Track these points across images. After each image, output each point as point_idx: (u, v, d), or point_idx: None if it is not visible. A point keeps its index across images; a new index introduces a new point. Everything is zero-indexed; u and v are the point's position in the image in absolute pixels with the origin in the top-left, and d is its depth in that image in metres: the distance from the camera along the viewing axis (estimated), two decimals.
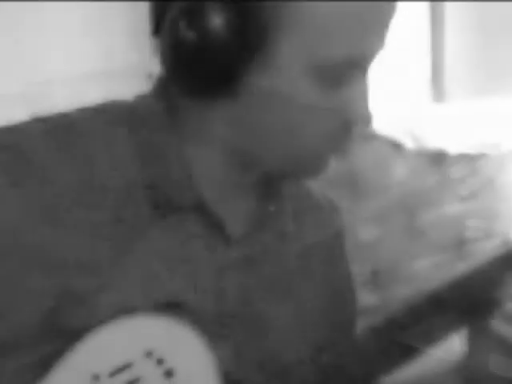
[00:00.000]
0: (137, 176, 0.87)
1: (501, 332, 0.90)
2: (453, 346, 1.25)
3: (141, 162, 0.88)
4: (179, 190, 0.88)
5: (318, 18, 0.81)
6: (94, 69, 2.81)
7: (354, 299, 1.08)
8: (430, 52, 3.80)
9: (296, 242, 0.99)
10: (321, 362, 0.92)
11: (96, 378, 0.82)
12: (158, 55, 0.86)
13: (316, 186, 1.05)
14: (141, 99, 0.93)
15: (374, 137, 3.09)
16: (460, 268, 0.91)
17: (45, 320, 0.82)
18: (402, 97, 3.72)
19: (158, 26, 0.85)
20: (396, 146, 3.18)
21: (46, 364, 0.82)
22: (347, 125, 0.88)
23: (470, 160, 3.45)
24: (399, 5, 0.87)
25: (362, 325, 0.94)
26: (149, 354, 0.83)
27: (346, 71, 0.84)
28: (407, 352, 0.92)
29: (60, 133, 0.87)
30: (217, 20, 0.80)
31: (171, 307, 0.85)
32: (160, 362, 0.84)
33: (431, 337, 0.92)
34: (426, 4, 3.76)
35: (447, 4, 3.73)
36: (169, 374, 0.84)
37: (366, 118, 0.87)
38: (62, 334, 0.82)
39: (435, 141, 3.34)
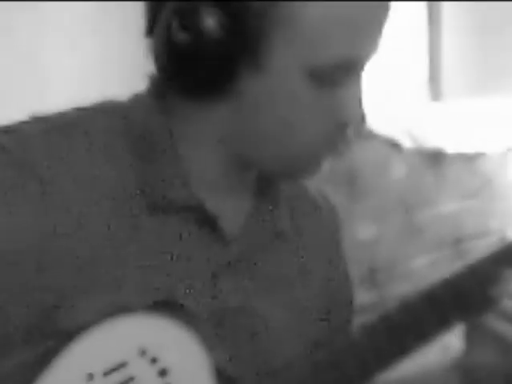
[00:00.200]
0: (133, 175, 0.87)
1: (497, 329, 0.90)
2: (449, 343, 1.26)
3: (136, 161, 0.88)
4: (175, 190, 0.87)
5: (312, 20, 0.81)
6: (92, 68, 2.81)
7: (351, 298, 1.08)
8: (428, 52, 3.80)
9: (293, 241, 0.98)
10: (317, 360, 0.91)
11: (90, 377, 0.82)
12: (151, 55, 0.86)
13: (314, 185, 1.06)
14: (136, 99, 0.93)
15: (372, 136, 3.09)
16: (457, 266, 0.91)
17: (39, 319, 0.82)
18: (400, 96, 3.73)
19: (152, 27, 0.85)
20: (394, 146, 3.18)
21: (41, 364, 0.82)
22: (341, 125, 0.88)
23: (467, 159, 3.45)
24: (397, 5, 0.87)
25: (359, 323, 0.94)
26: (143, 353, 0.83)
27: (340, 73, 0.84)
28: (403, 349, 0.91)
29: (58, 132, 0.87)
30: (210, 21, 0.79)
31: (166, 306, 0.84)
32: (154, 361, 0.83)
33: (427, 334, 0.92)
34: (424, 4, 3.77)
35: (444, 4, 3.73)
36: (163, 373, 0.84)
37: (360, 119, 0.88)
38: (56, 334, 0.82)
39: (433, 140, 3.34)
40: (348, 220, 2.89)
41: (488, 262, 0.91)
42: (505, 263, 0.90)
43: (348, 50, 0.82)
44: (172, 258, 0.87)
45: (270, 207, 0.95)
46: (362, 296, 2.92)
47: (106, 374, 0.82)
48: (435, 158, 3.35)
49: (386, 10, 0.84)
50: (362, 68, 0.86)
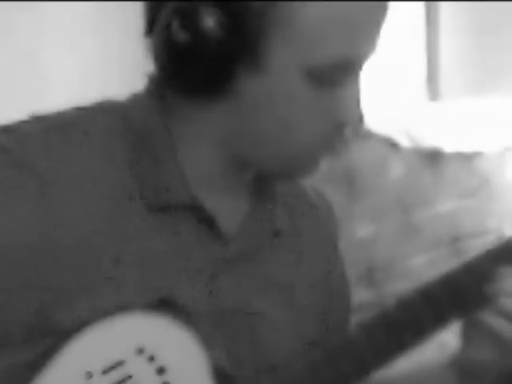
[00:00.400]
0: (132, 175, 0.87)
1: (493, 326, 0.90)
2: (446, 340, 1.26)
3: (136, 160, 0.88)
4: (173, 189, 0.88)
5: (310, 20, 0.81)
6: (92, 68, 2.80)
7: (349, 296, 1.09)
8: (426, 52, 3.79)
9: (290, 239, 0.99)
10: (314, 358, 0.91)
11: (89, 375, 0.82)
12: (151, 55, 0.86)
13: (311, 184, 1.06)
14: (135, 98, 0.92)
15: (370, 136, 3.08)
16: (455, 265, 0.91)
17: (38, 318, 0.82)
18: (398, 96, 3.72)
19: (151, 27, 0.85)
20: (392, 145, 3.17)
21: (40, 362, 0.82)
22: (339, 125, 0.88)
23: (465, 158, 3.45)
24: (395, 6, 0.87)
25: (357, 321, 0.94)
26: (140, 352, 0.83)
27: (338, 73, 0.84)
28: (400, 347, 0.91)
29: (57, 132, 0.87)
30: (209, 21, 0.80)
31: (165, 305, 0.85)
32: (151, 359, 0.84)
33: (424, 331, 0.91)
34: (422, 4, 3.76)
35: (442, 5, 3.73)
36: (161, 371, 0.84)
37: (358, 119, 0.88)
38: (55, 333, 0.82)
39: (431, 139, 3.33)
40: (346, 219, 2.89)
41: (484, 260, 0.91)
42: (501, 261, 0.90)
43: (346, 49, 0.82)
44: (170, 257, 0.87)
45: (268, 206, 0.96)
46: (360, 295, 2.91)
47: (105, 372, 0.82)
48: (433, 158, 3.34)
49: (384, 10, 0.85)
50: (360, 68, 0.86)
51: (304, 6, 0.80)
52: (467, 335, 0.94)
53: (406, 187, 3.20)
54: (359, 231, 3.03)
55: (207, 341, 0.86)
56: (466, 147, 3.45)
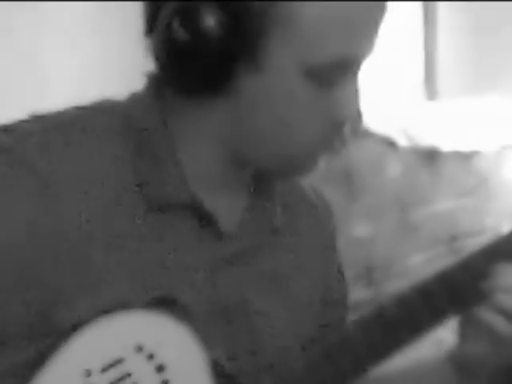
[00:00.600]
0: (131, 173, 0.87)
1: (489, 322, 0.90)
2: (442, 336, 1.26)
3: (135, 159, 0.88)
4: (172, 188, 0.88)
5: (309, 20, 0.81)
6: (92, 68, 2.79)
7: (346, 295, 1.09)
8: (423, 52, 3.80)
9: (288, 238, 0.99)
10: (312, 356, 0.92)
11: (88, 373, 0.82)
12: (151, 54, 0.86)
13: (309, 182, 1.06)
14: (134, 98, 0.92)
15: (368, 135, 3.08)
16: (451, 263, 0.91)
17: (37, 317, 0.82)
18: (396, 96, 3.72)
19: (151, 26, 0.86)
20: (390, 144, 3.17)
21: (40, 361, 0.82)
22: (338, 124, 0.88)
23: (462, 157, 3.44)
24: (393, 6, 0.88)
25: (355, 319, 0.94)
26: (139, 350, 0.84)
27: (337, 72, 0.85)
28: (397, 343, 0.91)
29: (57, 131, 0.87)
30: (210, 20, 0.80)
31: (164, 303, 0.85)
32: (151, 357, 0.84)
33: (420, 328, 0.91)
34: (419, 5, 3.76)
35: (440, 5, 3.73)
36: (160, 369, 0.85)
37: (357, 118, 0.88)
38: (54, 331, 0.82)
39: (429, 139, 3.33)
40: (344, 218, 2.89)
41: (480, 257, 0.92)
42: (497, 257, 0.91)
43: (345, 49, 0.83)
44: (170, 256, 0.87)
45: (266, 205, 0.96)
46: (359, 293, 2.91)
47: (104, 370, 0.83)
48: (431, 157, 3.34)
49: (382, 10, 0.85)
50: (358, 67, 0.87)
51: (303, 6, 0.81)
52: (463, 331, 0.94)
53: (404, 186, 3.20)
54: (357, 230, 3.03)
55: (206, 339, 0.86)
56: (463, 146, 3.45)
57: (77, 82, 2.75)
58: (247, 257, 0.93)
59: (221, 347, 0.89)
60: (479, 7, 3.70)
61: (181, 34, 0.81)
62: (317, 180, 1.04)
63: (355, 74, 0.87)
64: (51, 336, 0.82)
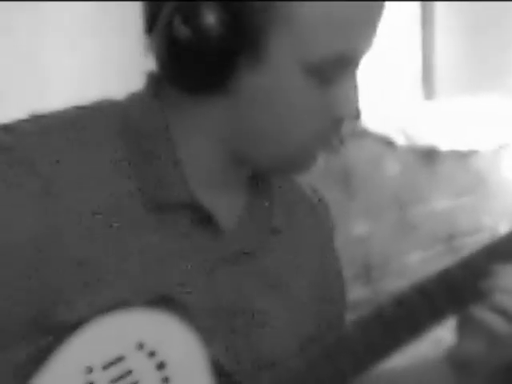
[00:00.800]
0: (131, 173, 0.87)
1: (488, 321, 0.90)
2: (441, 336, 1.27)
3: (134, 159, 0.87)
4: (172, 188, 0.87)
5: (309, 18, 0.81)
6: (92, 68, 2.78)
7: (344, 293, 1.09)
8: (421, 51, 3.80)
9: (287, 236, 0.98)
10: (311, 355, 0.92)
11: (89, 370, 0.82)
12: (151, 53, 0.86)
13: (307, 181, 1.06)
14: (133, 97, 0.92)
15: (366, 134, 3.09)
16: (450, 262, 0.91)
17: (38, 315, 0.82)
18: (394, 95, 3.72)
19: (152, 25, 0.86)
20: (388, 144, 3.18)
21: (40, 358, 0.82)
22: (337, 121, 0.88)
23: (460, 157, 3.45)
24: (391, 6, 0.88)
25: (354, 318, 0.94)
26: (140, 347, 0.83)
27: (336, 69, 0.85)
28: (396, 342, 0.91)
29: (57, 130, 0.88)
30: (211, 18, 0.80)
31: (164, 302, 0.85)
32: (152, 354, 0.84)
33: (420, 327, 0.91)
34: (417, 4, 3.77)
35: (437, 5, 3.74)
36: (161, 366, 0.84)
37: (355, 115, 0.89)
38: (55, 329, 0.82)
39: (426, 138, 3.33)
40: (343, 217, 2.89)
41: (480, 257, 0.92)
42: (496, 257, 0.91)
43: (344, 46, 0.84)
44: (169, 255, 0.88)
45: (265, 203, 0.96)
46: (357, 292, 2.92)
47: (105, 367, 0.83)
48: (429, 156, 3.35)
49: (380, 8, 0.86)
50: (357, 64, 0.88)
51: (303, 4, 0.82)
52: (462, 330, 0.95)
53: (402, 185, 3.21)
54: (355, 229, 3.03)
55: (206, 337, 0.87)
56: (461, 145, 3.45)
57: (77, 82, 2.74)
58: (246, 256, 0.94)
59: (220, 346, 0.90)
60: (476, 7, 3.71)
61: (182, 32, 0.81)
62: (315, 179, 1.05)
63: (353, 72, 0.88)
64: (52, 334, 0.83)
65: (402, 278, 3.08)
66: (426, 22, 3.73)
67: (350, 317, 1.01)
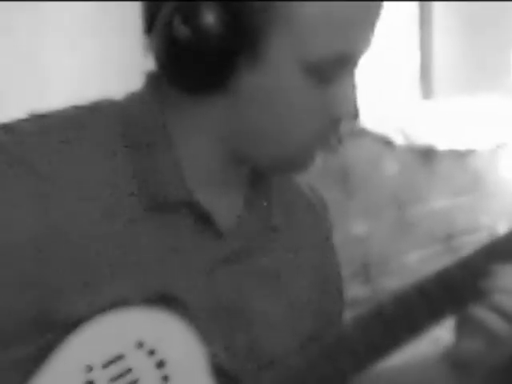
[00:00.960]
0: (130, 172, 0.87)
1: (486, 321, 0.90)
2: (440, 335, 1.27)
3: (134, 158, 0.87)
4: (171, 187, 0.87)
5: (307, 17, 0.81)
6: (92, 68, 2.78)
7: (342, 292, 1.09)
8: (419, 51, 3.81)
9: (286, 236, 0.98)
10: (310, 354, 0.92)
11: (89, 369, 0.82)
12: (151, 53, 0.86)
13: (305, 180, 1.07)
14: (133, 97, 0.91)
15: (365, 134, 3.09)
16: (448, 261, 0.91)
17: (38, 314, 0.82)
18: (392, 95, 3.73)
19: (151, 25, 0.86)
20: (386, 143, 3.18)
21: (40, 357, 0.82)
22: (335, 121, 0.88)
23: (458, 156, 3.45)
24: (389, 6, 0.89)
25: (353, 317, 0.94)
26: (140, 346, 0.83)
27: (335, 68, 0.84)
28: (395, 342, 0.91)
29: (56, 130, 0.88)
30: (210, 18, 0.80)
31: (163, 301, 0.85)
32: (151, 353, 0.84)
33: (418, 326, 0.91)
34: (415, 4, 3.77)
35: (435, 4, 3.74)
36: (160, 364, 0.84)
37: (354, 114, 0.89)
38: (55, 328, 0.82)
39: (424, 137, 3.33)
40: (341, 216, 2.90)
41: (479, 256, 0.92)
42: (495, 257, 0.92)
43: (343, 46, 0.84)
44: (169, 254, 0.88)
45: (264, 202, 0.97)
46: (356, 291, 2.92)
47: (105, 365, 0.83)
48: (427, 155, 3.35)
49: (379, 8, 0.87)
50: (355, 64, 0.88)
51: (302, 5, 0.82)
52: (461, 330, 0.95)
53: (400, 184, 3.21)
54: (354, 228, 3.04)
55: (205, 336, 0.86)
56: (459, 145, 3.46)
57: (77, 82, 2.74)
58: (245, 255, 0.94)
59: (220, 344, 0.90)
60: (474, 7, 3.72)
61: (181, 31, 0.81)
62: (314, 178, 1.05)
63: (352, 71, 0.89)
64: (52, 332, 0.83)
65: (401, 276, 3.09)
66: (424, 22, 3.74)
67: (349, 315, 1.01)
